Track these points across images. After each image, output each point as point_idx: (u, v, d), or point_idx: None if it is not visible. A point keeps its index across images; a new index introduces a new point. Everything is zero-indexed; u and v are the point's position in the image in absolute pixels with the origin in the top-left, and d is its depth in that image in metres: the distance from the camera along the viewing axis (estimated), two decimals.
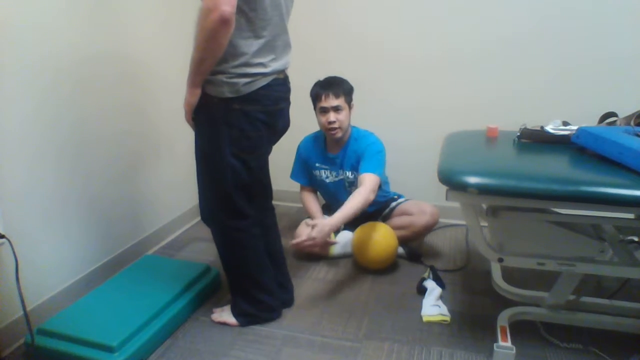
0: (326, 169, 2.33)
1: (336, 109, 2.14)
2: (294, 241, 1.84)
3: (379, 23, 2.56)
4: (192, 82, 1.48)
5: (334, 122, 2.15)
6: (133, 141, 2.25)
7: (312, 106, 2.27)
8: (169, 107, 2.46)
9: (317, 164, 2.35)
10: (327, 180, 2.34)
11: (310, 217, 2.34)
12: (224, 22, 1.31)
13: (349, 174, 2.30)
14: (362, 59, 2.46)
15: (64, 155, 1.85)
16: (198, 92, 1.50)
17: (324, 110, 2.16)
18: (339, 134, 2.19)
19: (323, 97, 2.14)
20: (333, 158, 2.31)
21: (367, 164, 2.15)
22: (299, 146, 2.42)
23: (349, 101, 2.19)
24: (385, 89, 2.61)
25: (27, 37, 1.66)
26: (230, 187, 1.59)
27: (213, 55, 1.40)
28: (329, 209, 2.41)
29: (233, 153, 1.55)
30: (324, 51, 2.66)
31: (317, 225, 1.82)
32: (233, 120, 1.51)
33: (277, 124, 1.63)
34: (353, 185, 2.30)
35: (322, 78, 2.24)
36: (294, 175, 2.44)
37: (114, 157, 2.12)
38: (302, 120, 2.47)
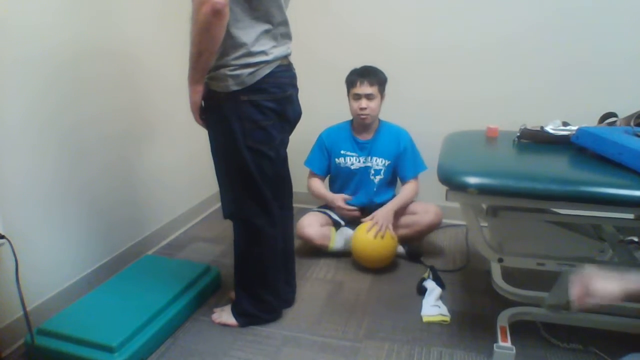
0: (352, 156, 2.35)
1: (369, 96, 2.21)
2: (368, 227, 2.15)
3: (378, 21, 2.56)
4: (192, 79, 1.47)
5: (365, 108, 2.22)
6: (133, 141, 2.25)
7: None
8: (168, 106, 2.45)
9: (342, 151, 2.37)
10: (352, 167, 2.35)
11: (321, 198, 2.35)
12: (216, 13, 1.30)
13: (378, 161, 2.33)
14: (362, 58, 2.46)
15: (63, 155, 1.85)
16: (200, 89, 1.50)
17: (357, 97, 2.22)
18: (369, 121, 2.27)
19: (358, 84, 2.22)
20: (363, 143, 2.34)
21: (414, 163, 2.36)
22: (320, 135, 2.42)
23: (381, 91, 2.26)
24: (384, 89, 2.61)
25: (25, 35, 1.66)
26: (255, 180, 1.59)
27: (209, 49, 1.39)
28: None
29: (249, 146, 1.54)
30: (323, 50, 2.66)
31: (380, 210, 2.18)
32: (243, 113, 1.51)
33: (288, 111, 1.62)
34: (378, 174, 2.34)
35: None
36: (309, 162, 2.42)
37: (114, 157, 2.12)
38: (305, 119, 2.48)
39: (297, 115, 1.70)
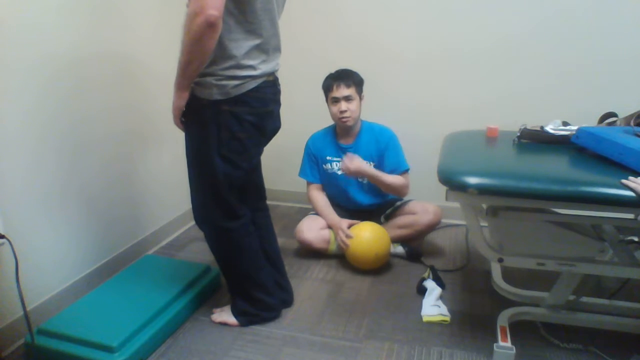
0: (337, 161, 2.34)
1: (347, 98, 2.20)
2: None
3: (379, 22, 2.56)
4: (180, 85, 1.48)
5: (346, 111, 2.20)
6: (132, 141, 2.25)
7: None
8: (167, 106, 2.44)
9: (328, 157, 2.36)
10: (339, 172, 2.34)
11: (320, 215, 2.34)
12: (209, 25, 1.30)
13: None
14: (362, 59, 2.47)
15: (63, 155, 1.85)
16: (186, 95, 1.50)
17: (336, 100, 2.21)
18: (350, 123, 2.24)
19: (334, 87, 2.20)
20: (346, 148, 2.33)
21: (396, 159, 2.28)
22: (307, 143, 2.42)
23: (359, 92, 2.25)
24: (384, 90, 2.61)
25: (26, 36, 1.66)
26: (222, 188, 1.59)
27: (199, 59, 1.39)
28: (339, 209, 2.41)
29: (222, 154, 1.55)
30: (324, 51, 2.66)
31: (354, 159, 2.13)
32: (222, 122, 1.51)
33: (266, 126, 1.63)
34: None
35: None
36: (302, 173, 2.42)
37: (114, 157, 2.12)
38: (305, 120, 2.47)
39: (275, 129, 1.71)
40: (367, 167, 2.20)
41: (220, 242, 1.72)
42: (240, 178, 1.62)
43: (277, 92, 1.65)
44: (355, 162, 2.14)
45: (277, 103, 1.68)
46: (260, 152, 1.73)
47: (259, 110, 1.56)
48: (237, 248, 1.70)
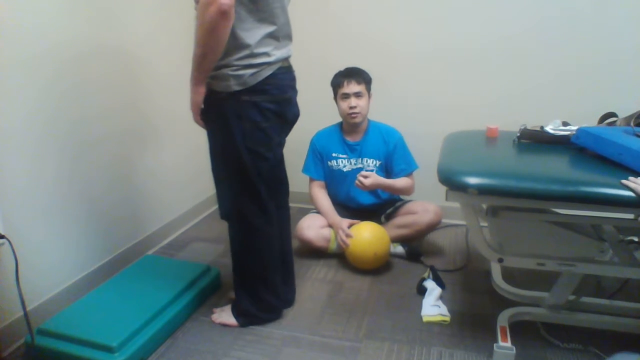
0: (344, 158, 2.35)
1: (357, 94, 2.22)
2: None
3: (379, 22, 2.56)
4: (196, 79, 1.48)
5: (355, 107, 2.22)
6: (133, 141, 2.25)
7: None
8: (168, 105, 2.45)
9: (333, 154, 2.37)
10: (345, 170, 2.35)
11: (321, 214, 2.34)
12: (222, 14, 1.30)
13: (369, 161, 2.33)
14: (362, 58, 2.46)
15: (63, 155, 1.85)
16: (202, 90, 1.50)
17: (346, 96, 2.23)
18: (359, 119, 2.26)
19: (345, 84, 2.22)
20: (353, 145, 2.34)
21: (405, 160, 2.32)
22: (312, 140, 2.43)
23: (368, 89, 2.27)
24: (384, 90, 2.60)
25: (26, 34, 1.66)
26: (254, 180, 1.59)
27: (214, 50, 1.39)
28: (340, 207, 2.41)
29: (248, 146, 1.55)
30: (324, 51, 2.66)
31: (370, 177, 2.13)
32: (244, 113, 1.51)
33: (287, 113, 1.63)
34: None
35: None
36: (306, 169, 2.43)
37: (114, 157, 2.12)
38: (305, 119, 2.46)
39: (295, 117, 1.71)
40: (382, 180, 2.21)
41: (246, 238, 1.70)
42: (267, 170, 1.62)
43: (293, 78, 1.66)
44: (370, 178, 2.14)
45: (294, 90, 1.68)
46: (282, 143, 1.73)
47: (278, 97, 1.56)
48: (259, 246, 1.70)
